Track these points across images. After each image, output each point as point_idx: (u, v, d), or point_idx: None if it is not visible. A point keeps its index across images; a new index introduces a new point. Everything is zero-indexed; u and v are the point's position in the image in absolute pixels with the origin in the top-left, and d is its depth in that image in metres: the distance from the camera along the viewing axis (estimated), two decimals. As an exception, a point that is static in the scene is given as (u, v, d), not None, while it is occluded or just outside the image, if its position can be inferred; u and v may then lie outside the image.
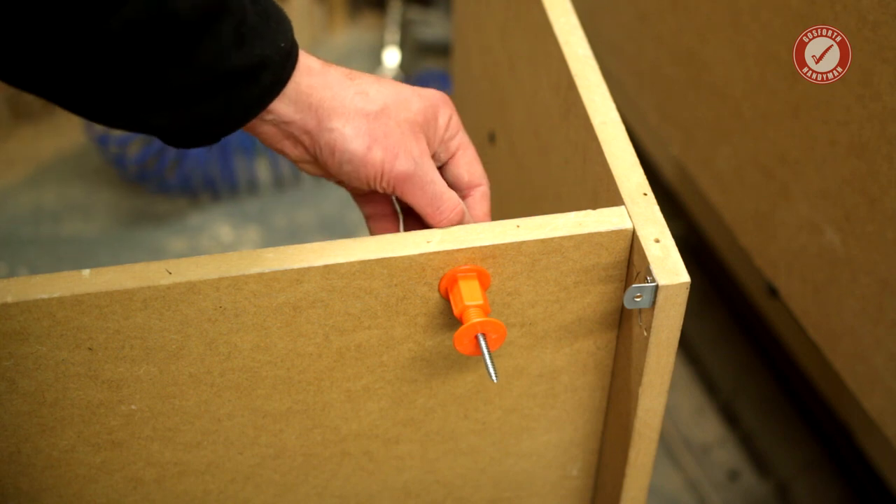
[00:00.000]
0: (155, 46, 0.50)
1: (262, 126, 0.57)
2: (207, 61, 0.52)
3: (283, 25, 0.56)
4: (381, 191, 0.59)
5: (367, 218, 0.66)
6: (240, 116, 0.55)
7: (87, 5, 0.47)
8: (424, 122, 0.61)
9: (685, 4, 1.05)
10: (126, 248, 1.61)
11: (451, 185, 0.64)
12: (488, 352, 0.56)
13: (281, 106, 0.56)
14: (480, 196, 0.65)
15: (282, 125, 0.57)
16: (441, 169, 0.64)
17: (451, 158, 0.64)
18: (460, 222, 0.61)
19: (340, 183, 0.62)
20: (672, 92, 1.13)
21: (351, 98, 0.58)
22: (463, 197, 0.64)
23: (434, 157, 0.63)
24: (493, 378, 0.56)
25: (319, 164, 0.59)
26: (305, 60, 0.57)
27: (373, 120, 0.58)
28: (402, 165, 0.58)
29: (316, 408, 0.62)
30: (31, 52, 0.49)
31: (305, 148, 0.59)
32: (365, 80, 0.59)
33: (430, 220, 0.60)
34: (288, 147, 0.59)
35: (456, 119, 0.63)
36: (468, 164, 0.64)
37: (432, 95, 0.61)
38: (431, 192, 0.60)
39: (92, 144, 1.66)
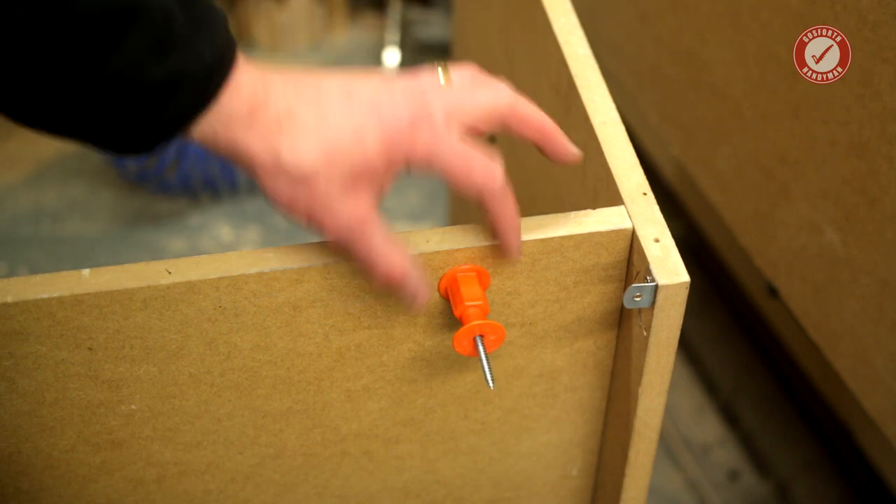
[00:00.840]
0: (60, 47, 0.45)
1: (211, 133, 0.50)
2: (118, 69, 0.45)
3: (214, 25, 0.49)
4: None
5: None
6: (163, 132, 0.49)
7: None
8: (387, 149, 0.50)
9: (685, 4, 1.05)
10: (126, 248, 1.61)
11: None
12: (486, 356, 0.56)
13: (214, 123, 0.49)
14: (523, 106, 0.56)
15: (227, 137, 0.50)
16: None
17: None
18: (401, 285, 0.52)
19: None
20: (672, 92, 1.13)
21: (279, 141, 0.49)
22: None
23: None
24: (490, 384, 0.56)
25: None
26: (246, 87, 0.49)
27: (297, 184, 0.49)
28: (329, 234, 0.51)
29: (316, 408, 0.62)
30: None
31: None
32: (311, 106, 0.50)
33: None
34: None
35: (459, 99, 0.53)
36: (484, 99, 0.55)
37: (415, 95, 0.51)
38: (381, 247, 0.51)
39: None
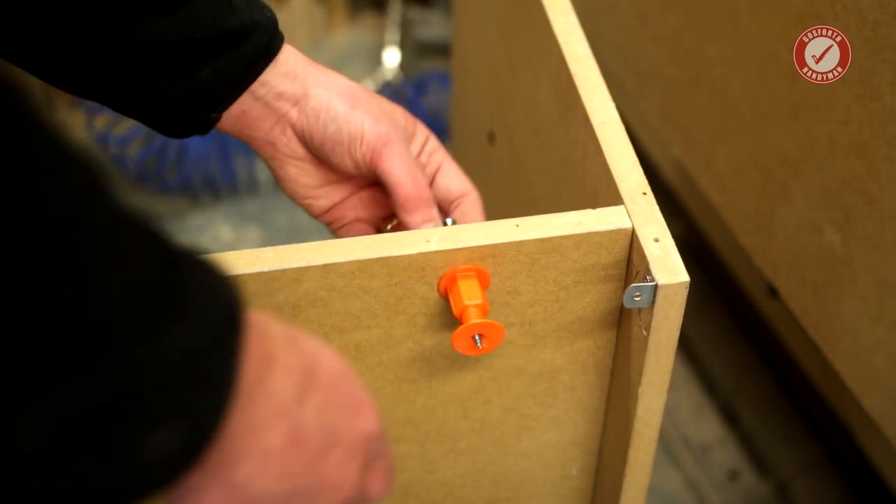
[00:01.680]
0: (152, 2, 0.53)
1: (254, 108, 0.59)
2: (204, 19, 0.54)
3: (264, 6, 0.59)
4: (358, 162, 0.60)
5: (336, 226, 0.67)
6: (237, 79, 0.57)
7: None
8: (406, 123, 0.63)
9: (685, 4, 1.05)
10: (126, 248, 1.60)
11: (442, 198, 0.66)
12: None
13: (272, 76, 0.59)
14: (472, 201, 0.66)
15: (272, 101, 0.60)
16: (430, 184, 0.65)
17: (437, 171, 0.65)
18: (430, 217, 0.61)
19: (307, 204, 0.65)
20: (672, 92, 1.13)
21: (337, 77, 0.62)
22: (455, 206, 0.65)
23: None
24: None
25: (306, 144, 0.61)
26: (288, 45, 0.60)
27: (357, 90, 0.61)
28: (383, 128, 0.60)
29: (315, 407, 0.62)
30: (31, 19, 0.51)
31: (293, 127, 0.61)
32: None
33: (404, 194, 0.60)
34: (277, 135, 0.61)
35: (434, 138, 0.66)
36: (456, 174, 0.66)
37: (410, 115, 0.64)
38: (409, 163, 0.60)
39: (92, 144, 1.66)
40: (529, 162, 0.83)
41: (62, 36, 0.52)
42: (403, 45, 1.87)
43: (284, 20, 1.98)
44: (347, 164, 0.61)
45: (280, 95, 0.60)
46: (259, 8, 0.59)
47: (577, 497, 0.77)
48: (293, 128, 0.61)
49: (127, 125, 1.59)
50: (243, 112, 0.60)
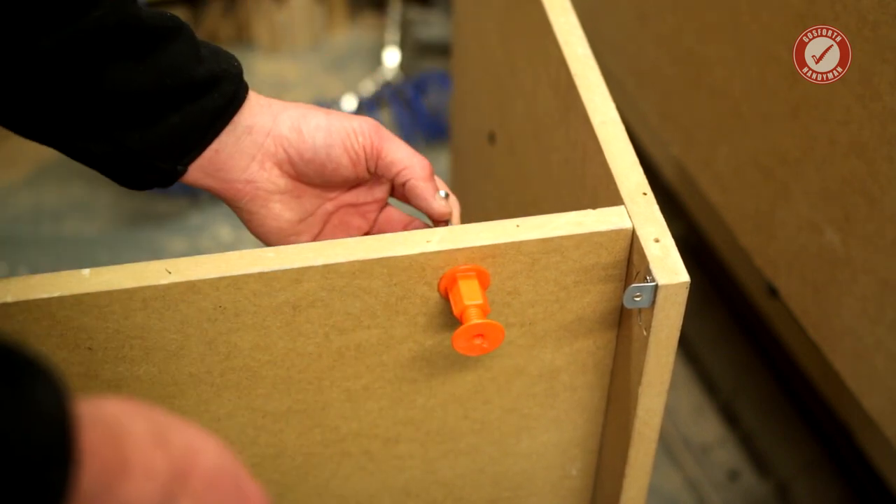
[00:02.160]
0: (123, 48, 0.53)
1: (226, 146, 0.59)
2: (172, 68, 0.54)
3: (229, 56, 0.59)
4: (357, 156, 0.60)
5: None
6: (205, 128, 0.57)
7: (61, 6, 0.50)
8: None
9: (685, 4, 1.05)
10: (126, 248, 1.61)
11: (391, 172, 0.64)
12: None
13: (242, 116, 0.59)
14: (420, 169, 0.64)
15: (244, 136, 0.59)
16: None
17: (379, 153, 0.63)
18: (433, 178, 0.62)
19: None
20: (672, 92, 1.13)
21: (297, 103, 0.62)
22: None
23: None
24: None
25: (293, 167, 0.61)
26: (252, 91, 0.61)
27: (324, 110, 0.61)
28: (366, 120, 0.60)
29: (316, 407, 0.62)
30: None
31: (273, 158, 0.60)
32: None
33: (412, 170, 0.61)
34: (255, 171, 0.60)
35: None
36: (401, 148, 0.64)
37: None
38: (404, 144, 0.61)
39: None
40: (529, 162, 0.83)
41: (27, 82, 0.51)
42: (403, 45, 1.87)
43: (284, 20, 1.98)
44: (345, 166, 0.61)
45: (250, 129, 0.59)
46: (225, 58, 0.59)
47: (577, 497, 0.77)
48: (273, 158, 0.60)
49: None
50: (216, 153, 0.59)
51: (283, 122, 0.60)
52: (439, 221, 0.63)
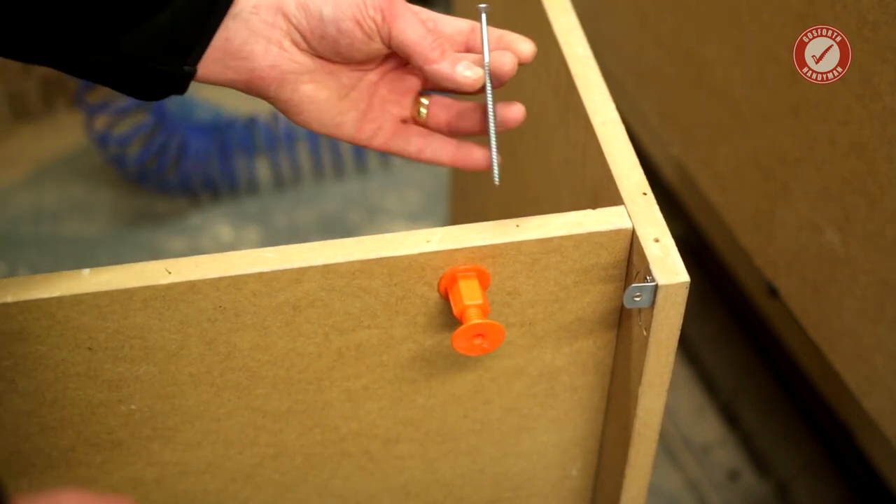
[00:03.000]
0: None
1: (237, 32, 0.54)
2: None
3: None
4: (371, 31, 0.54)
5: (380, 140, 0.60)
6: (199, 21, 0.53)
7: None
8: None
9: (685, 4, 1.05)
10: (126, 248, 1.60)
11: (458, 40, 0.59)
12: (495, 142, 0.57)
13: None
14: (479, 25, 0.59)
15: (252, 18, 0.54)
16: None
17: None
18: (457, 58, 0.56)
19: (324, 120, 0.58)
20: (672, 92, 1.13)
21: None
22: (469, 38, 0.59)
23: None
24: (495, 179, 0.57)
25: (311, 47, 0.55)
26: None
27: None
28: None
29: (316, 407, 0.62)
30: None
31: (289, 37, 0.55)
32: None
33: (427, 45, 0.55)
34: (275, 54, 0.55)
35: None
36: (444, 19, 0.59)
37: None
38: (419, 18, 0.55)
39: (92, 144, 1.66)
40: (529, 162, 0.83)
41: None
42: (403, 45, 1.87)
43: (284, 20, 1.97)
44: (360, 40, 0.55)
45: (256, 8, 0.54)
46: None
47: (577, 497, 0.77)
48: (290, 37, 0.55)
49: (127, 125, 1.59)
50: (226, 41, 0.54)
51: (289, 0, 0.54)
52: (478, 91, 0.57)
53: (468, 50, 0.59)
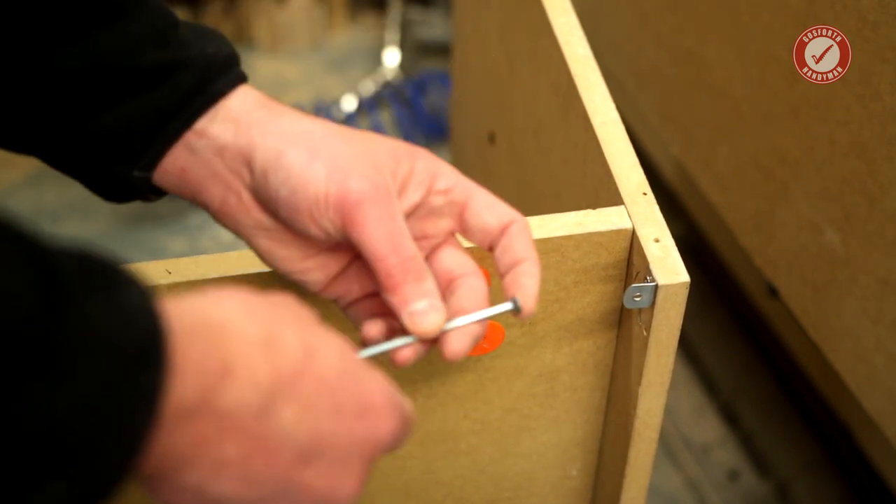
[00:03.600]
0: (58, 26, 0.44)
1: (193, 167, 0.47)
2: (112, 49, 0.45)
3: (219, 40, 0.48)
4: (328, 231, 0.45)
5: (343, 304, 0.51)
6: (149, 128, 0.46)
7: None
8: (397, 163, 0.47)
9: (685, 4, 1.05)
10: (126, 248, 1.60)
11: (480, 239, 0.50)
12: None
13: (209, 124, 0.47)
14: (519, 230, 0.49)
15: (212, 159, 0.47)
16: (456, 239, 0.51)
17: (464, 209, 0.49)
18: (421, 292, 0.46)
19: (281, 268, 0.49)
20: (672, 92, 1.13)
21: (295, 119, 0.47)
22: (495, 243, 0.49)
23: (430, 212, 0.49)
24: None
25: (267, 210, 0.47)
26: (247, 87, 0.48)
27: (321, 132, 0.46)
28: (353, 184, 0.44)
29: (316, 407, 0.62)
30: None
31: (250, 190, 0.47)
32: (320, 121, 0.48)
33: (384, 266, 0.45)
34: (232, 203, 0.47)
35: (449, 167, 0.50)
36: (490, 205, 0.49)
37: (409, 145, 0.49)
38: (391, 227, 0.45)
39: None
40: (529, 162, 0.83)
41: None
42: (403, 45, 1.87)
43: (285, 20, 1.98)
44: (316, 234, 0.46)
45: (221, 151, 0.46)
46: (210, 41, 0.48)
47: (577, 497, 0.77)
48: (250, 190, 0.47)
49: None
50: (182, 171, 0.47)
51: (257, 155, 0.46)
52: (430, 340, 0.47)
53: (491, 252, 0.50)
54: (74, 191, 1.69)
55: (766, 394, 1.29)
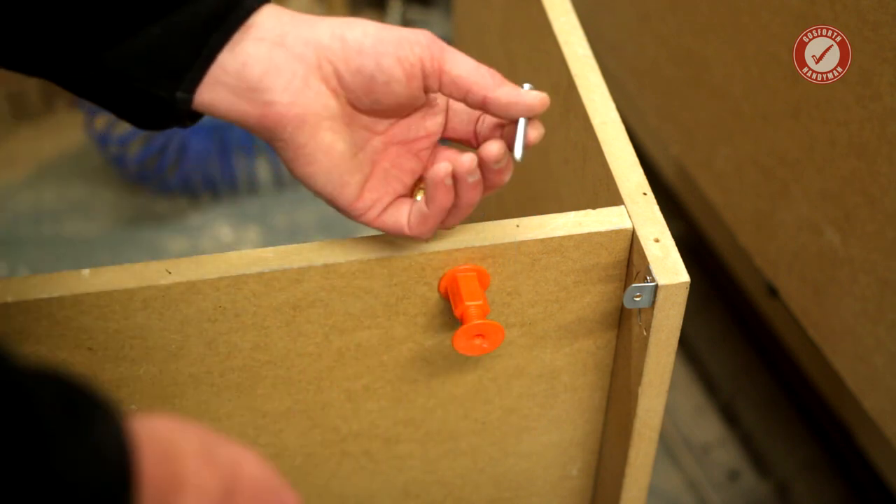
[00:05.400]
0: None
1: (262, 56, 0.48)
2: None
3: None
4: (412, 67, 0.49)
5: (374, 213, 0.53)
6: (192, 40, 0.47)
7: None
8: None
9: (685, 4, 1.05)
10: (126, 248, 1.60)
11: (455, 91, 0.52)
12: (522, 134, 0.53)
13: (268, 25, 0.49)
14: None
15: (279, 49, 0.48)
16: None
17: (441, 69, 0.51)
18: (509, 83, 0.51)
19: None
20: (672, 92, 1.13)
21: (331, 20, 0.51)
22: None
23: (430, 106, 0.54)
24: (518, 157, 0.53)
25: (340, 82, 0.50)
26: (279, 7, 0.50)
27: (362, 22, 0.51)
28: (423, 33, 0.50)
29: (316, 407, 0.62)
30: None
31: (319, 72, 0.49)
32: None
33: (481, 83, 0.50)
34: (299, 87, 0.49)
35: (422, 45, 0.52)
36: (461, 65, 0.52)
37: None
38: (465, 56, 0.51)
39: (92, 144, 1.66)
40: (530, 162, 0.83)
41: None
42: (403, 45, 1.87)
43: (284, 20, 1.96)
44: (397, 80, 0.49)
45: (282, 38, 0.49)
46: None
47: (577, 497, 0.77)
48: (318, 73, 0.49)
49: (127, 125, 1.59)
50: (244, 67, 0.49)
51: (323, 31, 0.49)
52: (533, 115, 0.53)
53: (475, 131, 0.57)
54: (74, 191, 1.69)
55: (765, 394, 1.29)
